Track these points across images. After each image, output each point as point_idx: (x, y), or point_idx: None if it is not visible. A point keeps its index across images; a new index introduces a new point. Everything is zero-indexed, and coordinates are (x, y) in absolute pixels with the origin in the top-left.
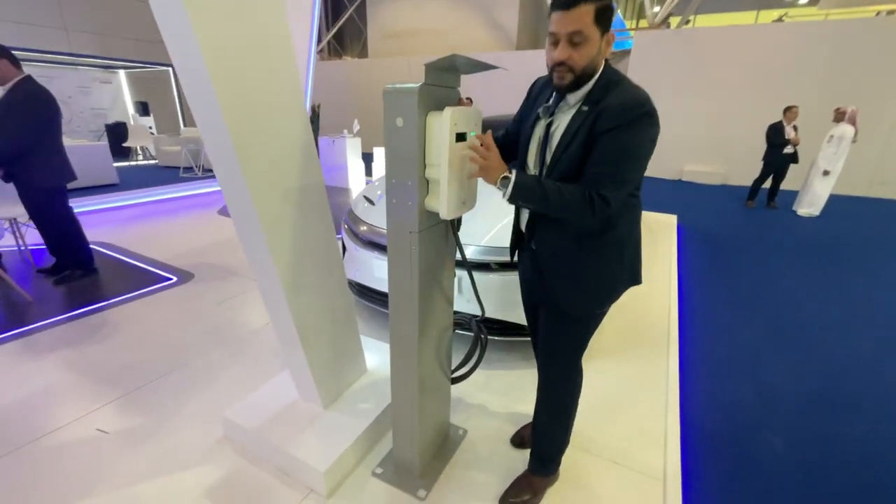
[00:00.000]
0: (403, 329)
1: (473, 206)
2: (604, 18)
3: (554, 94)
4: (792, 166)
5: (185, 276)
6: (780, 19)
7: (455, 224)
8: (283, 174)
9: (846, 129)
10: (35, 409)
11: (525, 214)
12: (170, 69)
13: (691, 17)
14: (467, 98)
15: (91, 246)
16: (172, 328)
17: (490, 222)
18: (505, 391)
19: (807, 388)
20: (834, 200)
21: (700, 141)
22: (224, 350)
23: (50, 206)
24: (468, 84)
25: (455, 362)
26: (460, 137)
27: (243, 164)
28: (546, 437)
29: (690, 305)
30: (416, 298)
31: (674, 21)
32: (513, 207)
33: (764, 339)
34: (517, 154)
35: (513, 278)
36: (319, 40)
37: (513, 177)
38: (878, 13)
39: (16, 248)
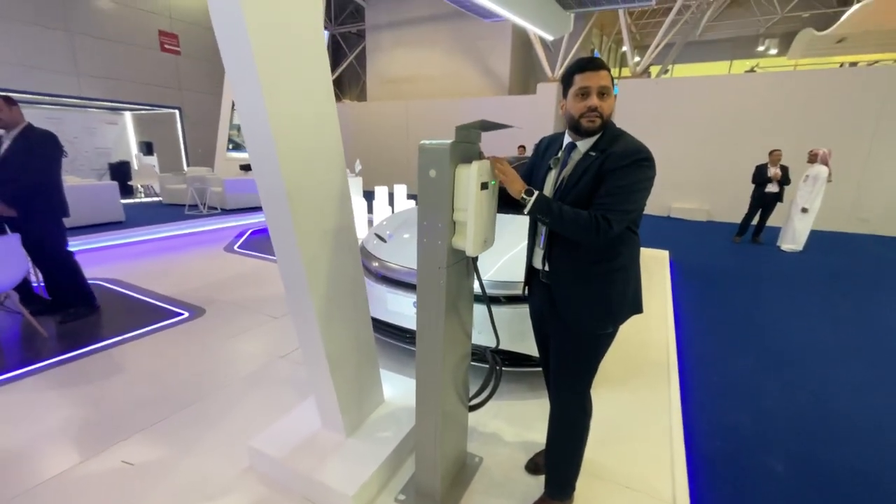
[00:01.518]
0: (430, 359)
1: (493, 244)
2: (613, 84)
3: (563, 147)
4: (778, 205)
5: (197, 311)
6: (752, 70)
7: (475, 260)
8: (323, 217)
9: (820, 170)
10: (58, 443)
11: (539, 253)
12: (176, 111)
13: (670, 67)
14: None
15: (100, 282)
16: (188, 362)
17: (494, 257)
18: (516, 420)
19: (801, 414)
20: (816, 236)
21: (685, 180)
22: (240, 383)
23: (51, 240)
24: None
25: (470, 392)
26: (484, 186)
27: (293, 208)
28: (561, 462)
29: (687, 336)
30: (443, 330)
31: (654, 70)
32: (518, 242)
33: (757, 367)
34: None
35: (520, 311)
36: None
37: (536, 192)
38: (841, 65)
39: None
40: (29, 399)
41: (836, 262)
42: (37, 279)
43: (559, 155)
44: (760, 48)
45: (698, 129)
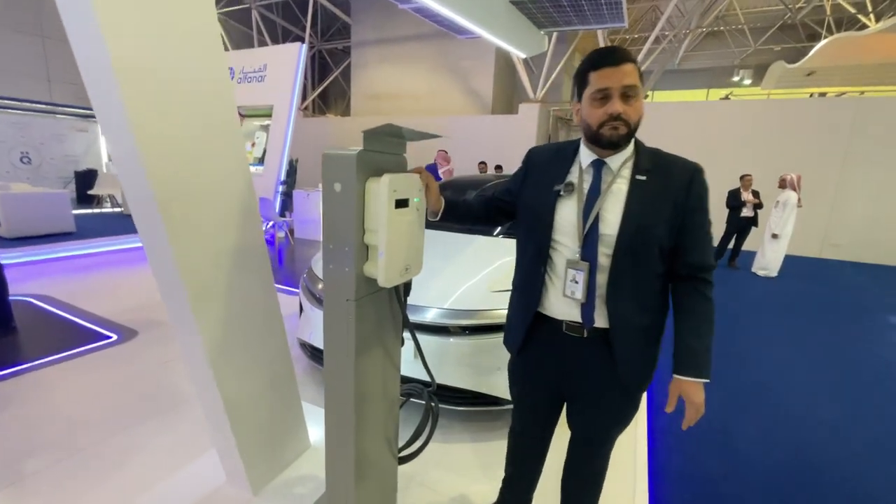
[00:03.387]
0: (338, 404)
1: (419, 272)
2: (643, 80)
3: (581, 166)
4: (753, 230)
5: (127, 334)
6: (726, 97)
7: (400, 290)
8: (218, 237)
9: (790, 195)
10: None
11: (570, 303)
12: None
13: (649, 93)
14: (442, 150)
15: (29, 299)
16: (101, 394)
17: (455, 283)
18: (462, 468)
19: (777, 457)
20: (790, 261)
21: None
22: (158, 419)
23: None
24: (443, 140)
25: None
26: (401, 203)
27: (169, 224)
28: None
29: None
30: (352, 371)
31: None
32: (480, 266)
33: (730, 403)
34: (509, 216)
35: (475, 343)
36: (305, 98)
37: (703, 378)
38: (811, 95)
39: None
40: None
41: (810, 288)
42: None
43: (575, 178)
44: (735, 78)
45: (676, 153)
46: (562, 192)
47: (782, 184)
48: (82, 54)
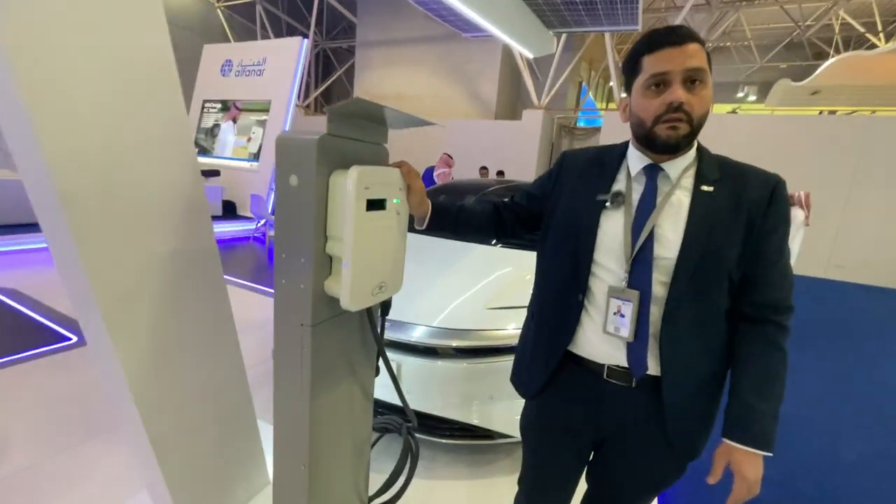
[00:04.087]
0: (289, 453)
1: (398, 290)
2: (710, 65)
3: (629, 172)
4: None
5: None
6: (733, 111)
7: (374, 311)
8: (150, 240)
9: (797, 213)
10: None
11: (615, 343)
12: None
13: None
14: (446, 153)
15: None
16: (46, 405)
17: (446, 298)
18: None
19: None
20: (795, 281)
21: None
22: (105, 438)
23: None
24: (446, 143)
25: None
26: (375, 205)
27: (75, 223)
28: None
29: None
30: (307, 413)
31: None
32: (475, 279)
33: None
34: (535, 227)
35: (467, 367)
36: (307, 96)
37: (764, 449)
38: (820, 112)
39: None
40: None
41: (816, 310)
42: None
43: (623, 187)
44: (740, 94)
45: None
46: (608, 203)
47: (790, 201)
48: None
